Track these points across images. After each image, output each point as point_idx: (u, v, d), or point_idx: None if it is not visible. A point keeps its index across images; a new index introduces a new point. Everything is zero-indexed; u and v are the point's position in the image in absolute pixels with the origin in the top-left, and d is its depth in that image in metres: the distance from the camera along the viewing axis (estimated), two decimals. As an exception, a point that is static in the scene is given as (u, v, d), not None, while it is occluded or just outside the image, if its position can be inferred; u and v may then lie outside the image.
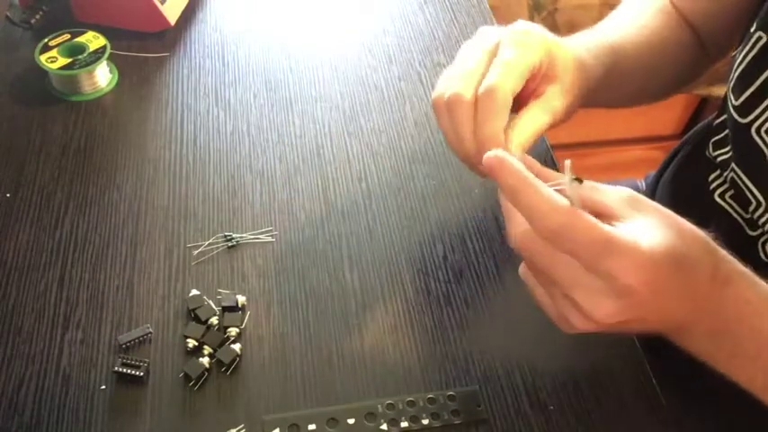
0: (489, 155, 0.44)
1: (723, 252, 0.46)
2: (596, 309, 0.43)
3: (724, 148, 0.65)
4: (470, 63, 0.54)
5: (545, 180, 0.46)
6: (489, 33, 0.56)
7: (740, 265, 0.46)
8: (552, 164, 0.72)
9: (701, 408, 0.65)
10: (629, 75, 0.66)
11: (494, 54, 0.54)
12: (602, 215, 0.44)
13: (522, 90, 0.54)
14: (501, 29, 0.56)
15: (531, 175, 0.43)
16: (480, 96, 0.51)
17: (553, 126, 0.55)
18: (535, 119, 0.54)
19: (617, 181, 0.91)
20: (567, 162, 0.43)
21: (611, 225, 0.43)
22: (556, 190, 0.43)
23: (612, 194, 0.46)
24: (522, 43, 0.53)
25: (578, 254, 0.42)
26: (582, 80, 0.58)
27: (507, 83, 0.51)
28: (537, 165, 0.49)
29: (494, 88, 0.51)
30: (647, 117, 1.59)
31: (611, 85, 0.63)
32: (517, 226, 0.45)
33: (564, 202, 0.42)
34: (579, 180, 0.43)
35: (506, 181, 0.43)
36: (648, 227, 0.43)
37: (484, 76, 0.53)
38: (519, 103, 0.55)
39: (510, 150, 0.51)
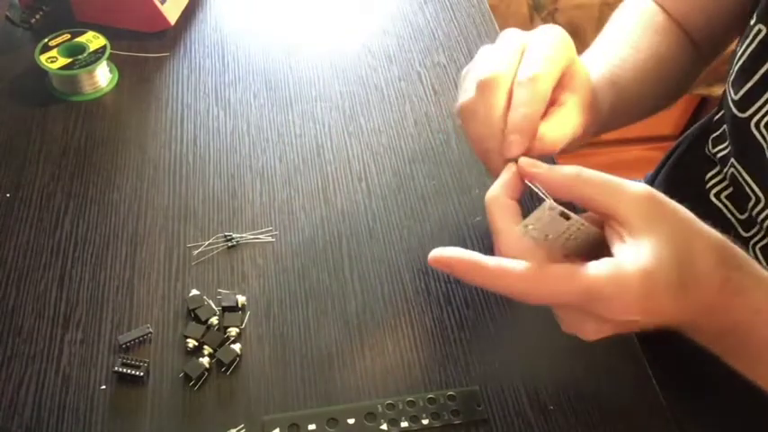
0: (434, 255, 0.44)
1: (740, 259, 0.45)
2: (582, 331, 0.44)
3: (723, 143, 0.65)
4: (504, 54, 0.51)
5: (552, 184, 0.45)
6: (515, 34, 0.53)
7: (759, 272, 0.45)
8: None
9: (702, 408, 0.65)
10: (631, 104, 0.65)
11: (523, 52, 0.51)
12: (614, 220, 0.44)
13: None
14: (524, 32, 0.53)
15: (479, 258, 0.43)
16: (520, 82, 0.48)
17: (571, 144, 0.53)
18: (567, 119, 0.51)
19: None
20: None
21: (622, 236, 0.43)
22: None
23: (629, 200, 0.43)
24: (556, 41, 0.51)
25: (565, 305, 0.43)
26: (595, 102, 0.56)
27: (549, 74, 0.49)
28: (543, 167, 0.47)
29: (536, 77, 0.48)
30: (646, 117, 1.59)
31: (615, 116, 0.62)
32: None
33: (522, 266, 0.42)
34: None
35: (471, 278, 0.43)
36: (652, 248, 0.42)
37: (516, 69, 0.50)
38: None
39: (536, 145, 0.49)
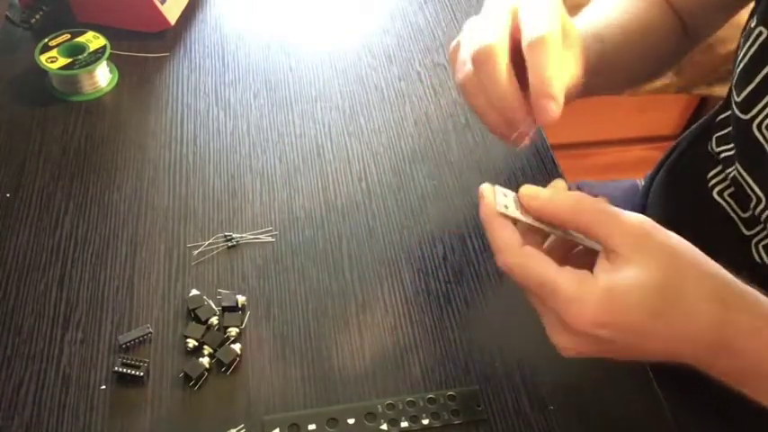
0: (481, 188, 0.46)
1: (743, 301, 0.45)
2: (554, 339, 0.45)
3: (728, 144, 0.65)
4: (493, 22, 0.50)
5: (550, 213, 0.46)
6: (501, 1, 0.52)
7: (759, 309, 0.45)
8: (552, 164, 0.72)
9: (702, 408, 0.65)
10: (616, 61, 0.66)
11: (514, 16, 0.50)
12: (605, 248, 0.44)
13: None
14: None
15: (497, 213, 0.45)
16: (532, 45, 0.48)
17: (568, 95, 0.52)
18: (566, 68, 0.51)
19: (617, 181, 0.91)
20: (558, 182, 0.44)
21: (609, 258, 0.44)
22: None
23: (622, 232, 0.44)
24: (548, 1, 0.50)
25: (530, 291, 0.45)
26: (585, 54, 0.56)
27: (555, 32, 0.48)
28: (542, 197, 0.47)
29: (544, 38, 0.47)
30: (646, 117, 1.59)
31: (601, 71, 0.63)
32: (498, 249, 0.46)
33: (518, 244, 0.44)
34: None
35: (482, 213, 0.46)
36: (630, 272, 0.42)
37: (512, 30, 0.49)
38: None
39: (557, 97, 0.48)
